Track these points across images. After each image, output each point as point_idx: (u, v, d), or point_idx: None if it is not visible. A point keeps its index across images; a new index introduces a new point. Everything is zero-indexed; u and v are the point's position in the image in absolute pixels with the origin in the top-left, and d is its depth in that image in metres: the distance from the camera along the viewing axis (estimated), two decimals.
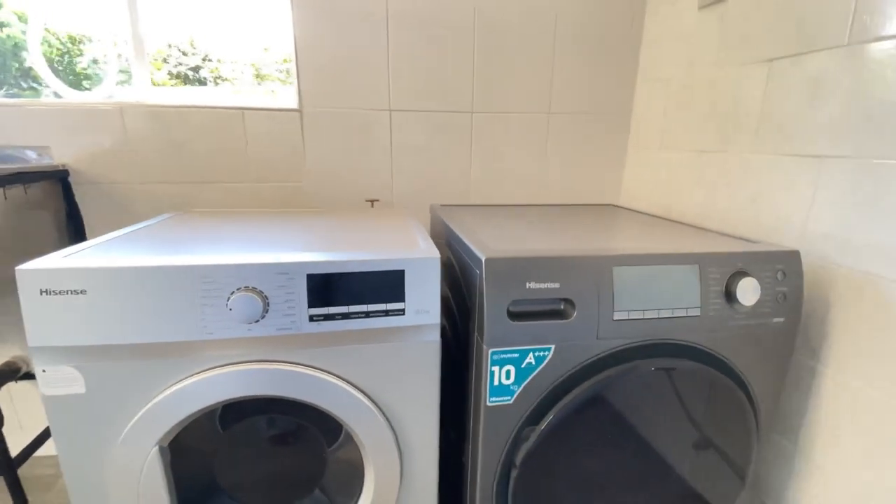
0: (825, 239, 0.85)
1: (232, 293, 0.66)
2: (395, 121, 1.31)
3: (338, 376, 0.72)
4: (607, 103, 1.41)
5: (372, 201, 1.33)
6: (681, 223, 1.09)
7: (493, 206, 1.34)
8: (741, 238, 0.92)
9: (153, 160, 1.23)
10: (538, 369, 0.72)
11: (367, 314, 0.71)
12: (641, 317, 0.74)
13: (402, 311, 0.72)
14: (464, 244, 0.82)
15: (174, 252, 0.70)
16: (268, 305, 0.67)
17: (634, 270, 0.74)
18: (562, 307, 0.73)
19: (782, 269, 0.81)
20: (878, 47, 0.76)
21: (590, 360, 0.74)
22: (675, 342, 0.78)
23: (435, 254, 0.72)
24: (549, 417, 0.74)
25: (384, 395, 0.75)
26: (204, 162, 1.25)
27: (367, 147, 1.31)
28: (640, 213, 1.26)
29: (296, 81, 1.25)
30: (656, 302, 0.75)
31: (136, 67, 1.27)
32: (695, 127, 1.18)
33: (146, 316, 0.65)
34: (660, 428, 0.81)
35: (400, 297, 0.71)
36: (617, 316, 0.73)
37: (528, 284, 0.70)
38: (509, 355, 0.71)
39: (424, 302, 0.72)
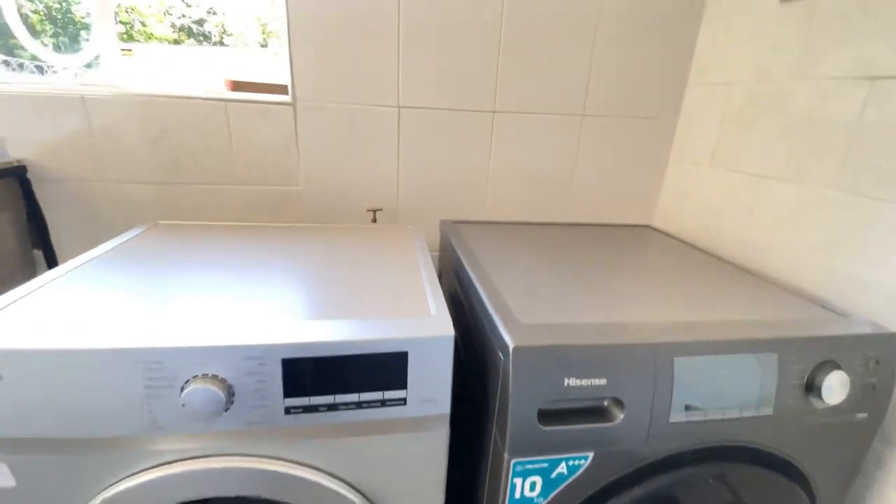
0: None
1: (187, 382, 0.51)
2: (405, 119, 1.12)
3: (323, 471, 0.59)
4: (650, 106, 1.21)
5: (374, 211, 1.17)
6: (737, 266, 0.92)
7: (511, 224, 1.17)
8: (821, 304, 0.75)
9: (123, 156, 1.06)
10: (570, 479, 0.58)
11: (359, 405, 0.56)
12: (703, 418, 0.60)
13: (403, 401, 0.57)
14: (483, 306, 0.66)
15: (127, 305, 0.55)
16: (232, 396, 0.53)
17: (700, 361, 0.58)
18: (605, 405, 0.58)
19: (876, 356, 0.65)
20: None
21: (633, 469, 0.60)
22: (735, 444, 0.63)
23: (448, 329, 0.57)
24: None
25: (379, 493, 0.61)
26: (182, 160, 1.08)
27: (370, 148, 1.13)
28: (683, 242, 1.09)
29: (289, 73, 1.06)
30: (722, 399, 0.60)
31: (98, 26, 1.07)
32: (759, 146, 0.99)
33: (76, 408, 0.51)
34: None
35: (401, 384, 0.57)
36: (674, 417, 0.59)
37: (566, 381, 0.55)
38: (537, 465, 0.56)
39: (432, 389, 0.58)
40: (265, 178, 1.12)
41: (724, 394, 0.60)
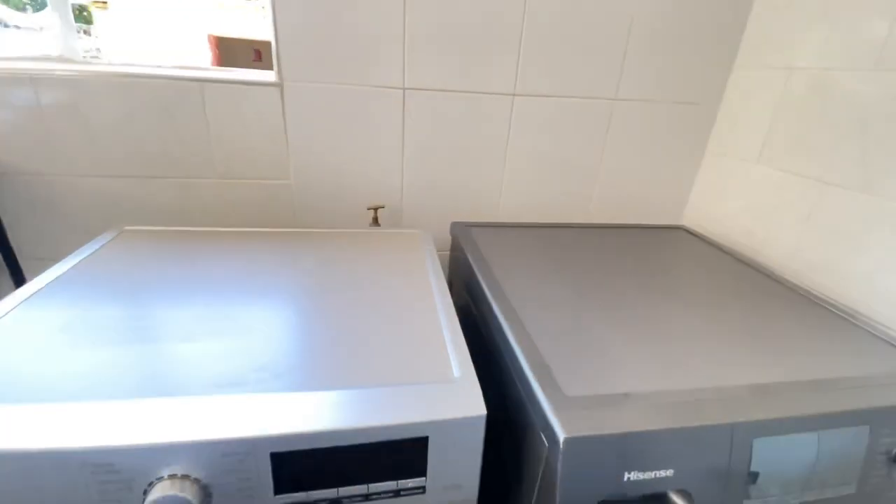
0: None
1: (150, 485, 0.40)
2: (411, 103, 0.97)
3: None
4: (690, 90, 1.06)
5: (376, 209, 1.03)
6: (797, 291, 0.81)
7: (531, 226, 1.04)
8: (886, 334, 0.65)
9: (82, 146, 0.90)
10: None
11: (368, 497, 0.46)
12: (779, 502, 0.50)
13: (422, 489, 0.47)
14: (515, 359, 0.55)
15: (74, 366, 0.43)
16: (209, 498, 0.42)
17: (783, 441, 0.48)
18: (670, 496, 0.48)
19: None
20: None
21: None
22: None
23: (478, 405, 0.46)
24: None
25: None
26: (151, 150, 0.93)
27: (370, 136, 0.98)
28: (723, 250, 0.97)
29: (273, 46, 0.89)
30: (801, 479, 0.50)
31: None
32: (822, 146, 0.86)
33: None
34: None
35: (420, 471, 0.46)
36: None
37: (626, 476, 0.44)
38: None
39: (457, 474, 0.47)
40: (249, 171, 0.97)
41: (804, 474, 0.50)
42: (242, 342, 0.53)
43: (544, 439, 0.45)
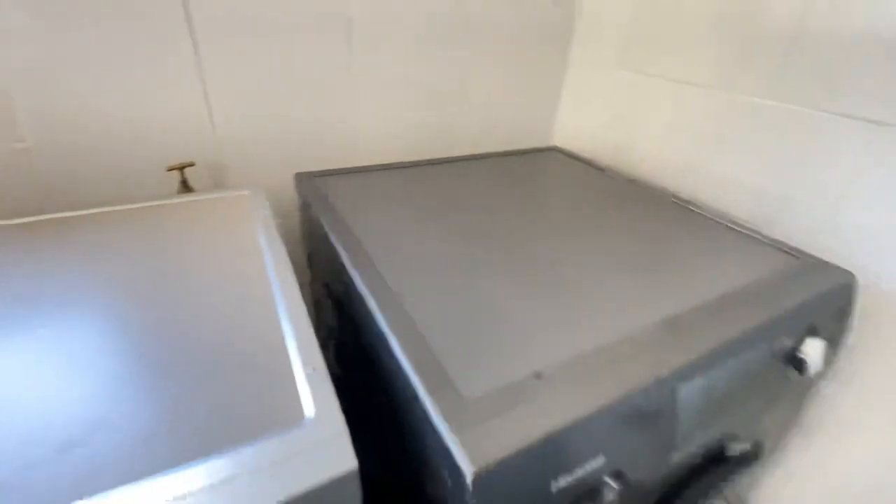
0: (863, 239, 0.62)
1: None
2: (204, 20, 0.68)
3: None
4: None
5: (181, 169, 0.74)
6: (672, 197, 0.79)
7: (395, 167, 0.86)
8: (775, 244, 0.64)
9: None
10: None
11: None
12: (707, 438, 0.46)
13: None
14: (392, 355, 0.40)
15: None
16: None
17: (701, 381, 0.42)
18: (605, 480, 0.39)
19: (838, 305, 0.57)
20: None
21: None
22: (721, 449, 0.52)
23: (346, 457, 0.30)
24: None
25: None
26: None
27: (152, 66, 0.68)
28: (596, 167, 0.92)
29: None
30: (721, 410, 0.46)
31: None
32: (681, 45, 0.81)
33: None
34: None
35: None
36: (676, 457, 0.44)
37: (554, 485, 0.34)
38: None
39: None
40: None
41: (722, 403, 0.46)
42: None
43: (446, 475, 0.32)
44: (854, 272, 0.57)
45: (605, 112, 0.98)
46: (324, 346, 0.38)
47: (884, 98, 0.58)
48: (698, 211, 0.73)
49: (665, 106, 0.86)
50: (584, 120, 1.04)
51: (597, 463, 0.36)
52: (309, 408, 0.33)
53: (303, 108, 0.81)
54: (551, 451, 0.33)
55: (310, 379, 0.36)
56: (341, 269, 0.53)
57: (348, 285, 0.51)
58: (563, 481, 0.34)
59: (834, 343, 0.58)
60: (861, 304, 0.60)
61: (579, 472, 0.35)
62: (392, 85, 0.86)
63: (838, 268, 0.58)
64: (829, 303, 0.55)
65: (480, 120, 1.00)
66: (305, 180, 0.76)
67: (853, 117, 0.61)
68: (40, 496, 0.27)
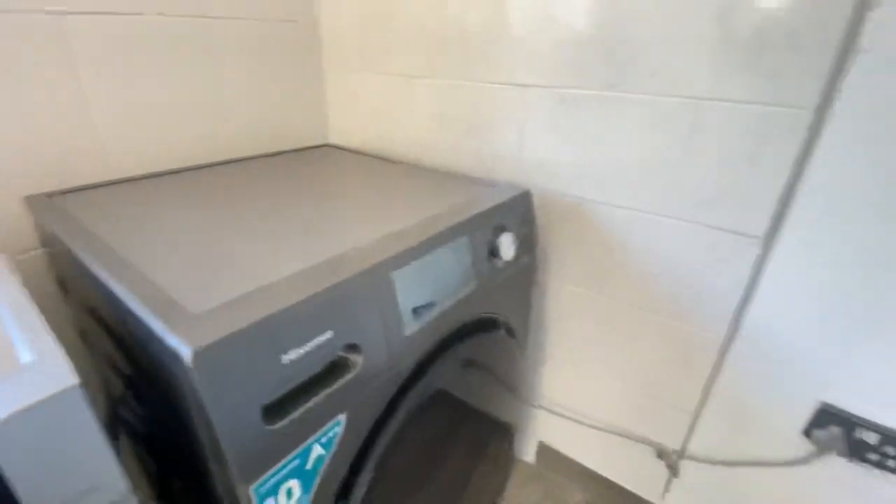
0: (538, 168, 0.88)
1: None
2: None
3: None
4: (286, 7, 1.05)
5: None
6: (410, 165, 0.96)
7: (150, 176, 0.86)
8: (478, 182, 0.85)
9: None
10: (330, 454, 0.49)
11: None
12: (431, 316, 0.60)
13: None
14: (122, 304, 0.43)
15: None
16: None
17: (413, 267, 0.56)
18: (340, 356, 0.49)
19: (522, 211, 0.80)
20: None
21: (390, 400, 0.56)
22: (462, 325, 0.68)
23: (65, 376, 0.33)
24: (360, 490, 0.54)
25: None
26: None
27: None
28: (363, 154, 1.06)
29: None
30: (439, 292, 0.61)
31: None
32: (401, 46, 1.01)
33: None
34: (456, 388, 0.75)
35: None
36: (408, 330, 0.56)
37: (284, 358, 0.42)
38: (285, 469, 0.44)
39: (77, 473, 0.35)
40: None
41: (439, 287, 0.61)
42: None
43: (174, 369, 0.38)
44: (531, 189, 0.81)
45: (366, 108, 1.13)
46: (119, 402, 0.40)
47: (527, 68, 0.83)
48: (432, 172, 0.92)
49: (398, 96, 1.04)
50: (349, 118, 1.18)
51: (325, 337, 0.45)
52: (29, 354, 0.35)
53: (30, 129, 0.75)
54: (274, 330, 0.41)
55: (26, 332, 0.37)
56: (85, 269, 0.52)
57: (93, 280, 0.51)
58: (294, 354, 0.42)
59: (528, 240, 0.81)
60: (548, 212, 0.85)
61: (308, 347, 0.44)
62: (136, 103, 0.86)
63: (517, 185, 0.80)
64: (513, 209, 0.76)
65: (246, 126, 1.05)
66: (40, 202, 0.71)
67: (505, 84, 0.86)
68: None
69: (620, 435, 1.01)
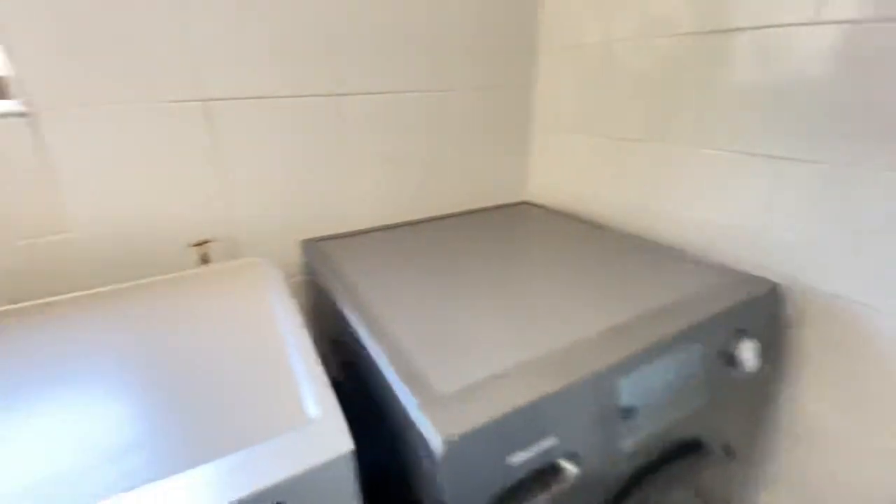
0: (787, 253, 0.73)
1: None
2: (218, 116, 0.84)
3: None
4: (504, 76, 1.13)
5: (202, 245, 0.88)
6: (625, 234, 0.90)
7: (382, 229, 0.99)
8: (706, 262, 0.75)
9: None
10: None
11: None
12: (654, 429, 0.53)
13: None
14: (379, 372, 0.49)
15: None
16: None
17: (640, 374, 0.51)
18: (558, 464, 0.47)
19: (768, 311, 0.66)
20: None
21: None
22: (680, 442, 0.59)
23: (342, 441, 0.39)
24: None
25: None
26: None
27: (174, 161, 0.83)
28: (563, 213, 1.05)
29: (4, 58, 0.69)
30: (665, 405, 0.54)
31: None
32: (616, 108, 0.97)
33: None
34: None
35: None
36: (625, 443, 0.51)
37: (509, 459, 0.42)
38: None
39: None
40: (9, 229, 0.75)
41: (663, 400, 0.54)
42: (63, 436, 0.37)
43: (421, 452, 0.40)
44: (781, 282, 0.67)
45: (570, 170, 1.13)
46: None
47: (774, 136, 0.71)
48: (647, 243, 0.84)
49: (612, 159, 1.00)
50: (551, 177, 1.19)
51: (549, 443, 0.43)
52: (314, 410, 0.42)
53: (298, 183, 0.95)
54: (506, 430, 0.41)
55: (314, 389, 0.45)
56: (340, 315, 0.63)
57: (346, 323, 0.60)
58: (519, 456, 0.42)
59: (772, 345, 0.67)
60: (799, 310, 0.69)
61: (534, 449, 0.42)
62: (377, 157, 1.02)
63: (763, 278, 0.67)
64: (756, 308, 0.64)
65: (459, 185, 1.14)
66: (311, 245, 0.88)
67: (753, 154, 0.74)
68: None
69: None
